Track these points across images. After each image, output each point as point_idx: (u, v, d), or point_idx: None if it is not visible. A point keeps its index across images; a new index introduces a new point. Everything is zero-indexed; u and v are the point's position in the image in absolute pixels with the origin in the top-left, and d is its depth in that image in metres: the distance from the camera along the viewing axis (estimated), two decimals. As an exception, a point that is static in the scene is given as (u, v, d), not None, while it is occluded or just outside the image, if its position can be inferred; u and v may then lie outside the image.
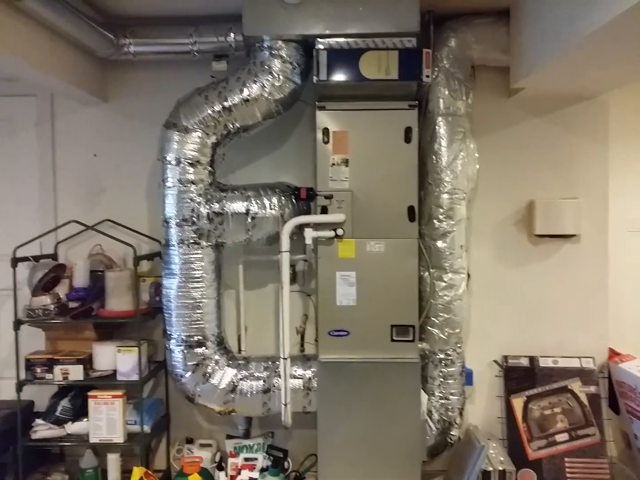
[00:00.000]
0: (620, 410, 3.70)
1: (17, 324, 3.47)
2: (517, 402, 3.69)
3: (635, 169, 3.88)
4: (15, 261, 3.49)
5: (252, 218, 3.40)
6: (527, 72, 3.21)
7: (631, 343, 3.82)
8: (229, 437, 3.81)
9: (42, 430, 3.51)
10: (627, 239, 3.89)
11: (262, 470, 3.52)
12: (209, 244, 3.42)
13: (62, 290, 3.64)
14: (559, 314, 3.81)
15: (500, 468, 3.41)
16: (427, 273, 3.53)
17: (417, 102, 3.30)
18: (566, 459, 3.60)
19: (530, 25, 3.12)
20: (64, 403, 3.59)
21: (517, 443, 3.66)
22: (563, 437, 3.62)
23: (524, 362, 3.75)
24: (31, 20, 3.00)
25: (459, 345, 3.58)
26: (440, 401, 3.59)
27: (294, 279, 3.70)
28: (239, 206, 3.40)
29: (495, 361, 3.82)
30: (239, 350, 3.80)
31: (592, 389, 3.66)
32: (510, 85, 3.53)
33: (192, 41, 3.42)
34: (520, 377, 3.73)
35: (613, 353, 3.76)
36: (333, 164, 3.32)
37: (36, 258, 3.64)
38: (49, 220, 3.88)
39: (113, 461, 3.56)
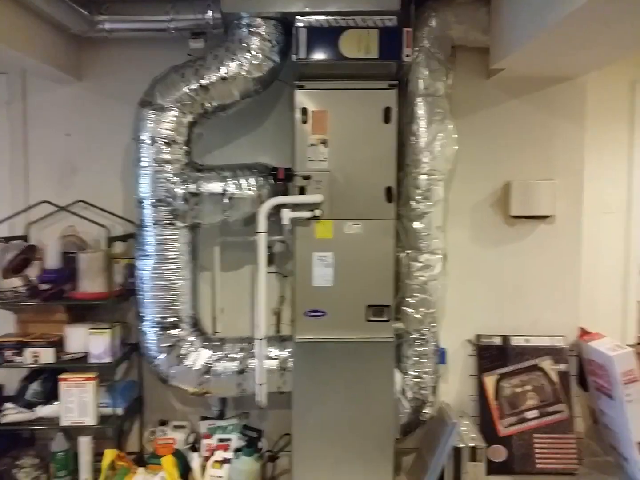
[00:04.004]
0: (589, 388, 3.79)
1: (-13, 306, 3.41)
2: (490, 380, 3.75)
3: (610, 151, 3.97)
4: (-16, 242, 3.42)
5: (229, 199, 3.37)
6: (506, 52, 3.23)
7: (601, 322, 3.91)
8: (203, 418, 3.80)
9: (11, 414, 3.46)
10: (601, 220, 3.97)
11: (236, 450, 3.51)
12: (184, 224, 3.38)
13: (33, 272, 3.57)
14: (533, 293, 3.86)
15: (471, 444, 3.45)
16: (403, 254, 3.55)
17: (396, 82, 3.30)
18: (535, 435, 3.68)
19: (510, 6, 3.13)
20: (35, 386, 3.53)
21: (488, 420, 3.72)
22: (533, 414, 3.70)
23: (497, 341, 3.80)
24: (0, -5, 2.91)
25: (433, 324, 3.61)
26: (414, 380, 3.63)
27: (270, 260, 3.64)
28: (215, 187, 3.37)
29: (469, 340, 3.88)
30: (214, 332, 3.78)
31: (562, 367, 3.74)
32: (489, 66, 3.54)
33: (169, 18, 3.34)
34: (492, 355, 3.78)
35: (583, 332, 3.83)
36: (312, 144, 3.31)
37: (6, 239, 3.58)
38: (20, 201, 3.78)
39: (85, 444, 3.52)
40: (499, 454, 3.66)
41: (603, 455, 3.81)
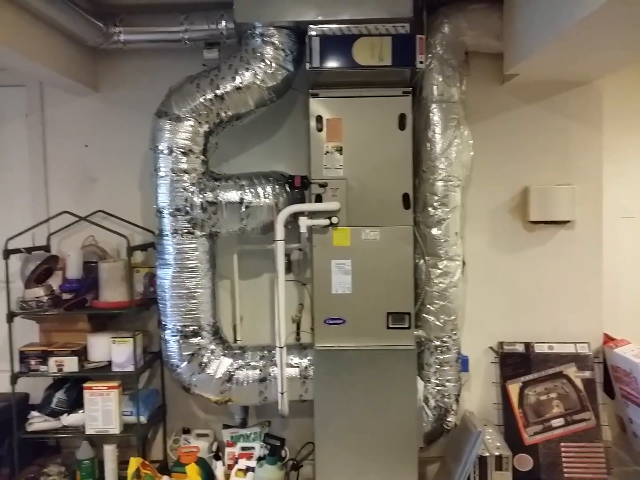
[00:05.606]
0: (615, 395, 3.72)
1: (10, 316, 3.45)
2: (513, 388, 3.70)
3: (628, 154, 3.88)
4: (7, 253, 3.47)
5: (246, 207, 3.38)
6: (520, 57, 3.20)
7: (625, 328, 3.83)
8: (226, 426, 3.81)
9: (37, 422, 3.51)
10: (621, 225, 3.89)
11: (260, 459, 3.51)
12: (203, 233, 3.40)
13: (55, 282, 3.62)
14: (554, 300, 3.81)
15: (497, 453, 3.42)
16: (422, 260, 3.52)
17: (411, 88, 3.28)
18: (562, 444, 3.61)
19: (524, 11, 3.10)
20: (59, 395, 3.58)
21: (513, 428, 3.67)
22: (559, 422, 3.63)
23: (520, 348, 3.75)
24: (19, 8, 2.96)
25: (454, 332, 3.58)
26: (437, 388, 3.60)
27: (289, 268, 3.66)
28: (232, 195, 3.38)
29: (491, 347, 3.83)
30: (235, 340, 3.79)
31: (587, 374, 3.67)
32: (503, 71, 3.50)
33: (183, 29, 3.38)
34: (515, 363, 3.73)
35: (608, 338, 3.77)
36: (327, 152, 3.30)
37: (28, 250, 3.61)
38: (41, 212, 3.85)
39: (110, 452, 3.55)
40: (526, 463, 3.61)
41: (632, 464, 3.73)
